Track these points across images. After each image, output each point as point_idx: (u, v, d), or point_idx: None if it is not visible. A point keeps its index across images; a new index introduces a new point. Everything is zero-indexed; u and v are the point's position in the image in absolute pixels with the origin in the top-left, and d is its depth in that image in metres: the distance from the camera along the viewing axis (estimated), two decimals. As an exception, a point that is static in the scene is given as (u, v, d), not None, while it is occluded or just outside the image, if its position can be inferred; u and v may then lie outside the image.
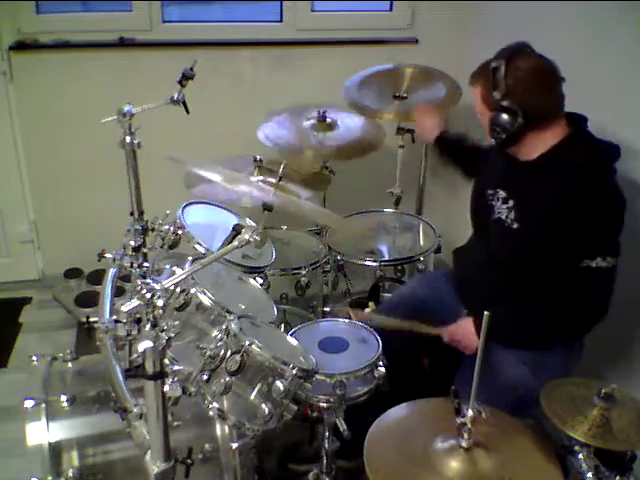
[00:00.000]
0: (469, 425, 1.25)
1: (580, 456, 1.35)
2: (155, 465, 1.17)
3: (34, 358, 1.64)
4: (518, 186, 1.79)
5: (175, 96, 1.86)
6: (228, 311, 1.46)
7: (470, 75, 1.77)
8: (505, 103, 1.64)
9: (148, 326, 1.07)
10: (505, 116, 1.65)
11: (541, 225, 1.69)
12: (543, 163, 1.71)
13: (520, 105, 1.63)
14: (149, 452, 1.19)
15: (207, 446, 1.49)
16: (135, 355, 1.08)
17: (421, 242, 2.44)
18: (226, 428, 1.52)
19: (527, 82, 1.63)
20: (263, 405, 1.35)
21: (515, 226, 1.76)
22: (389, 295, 2.45)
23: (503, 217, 1.79)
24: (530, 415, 1.70)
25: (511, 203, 1.78)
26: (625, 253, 1.71)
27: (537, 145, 1.71)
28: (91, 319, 2.74)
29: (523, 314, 1.77)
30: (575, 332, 1.80)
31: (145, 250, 1.83)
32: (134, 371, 1.44)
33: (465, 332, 1.80)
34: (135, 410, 1.27)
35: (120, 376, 1.40)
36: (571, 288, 1.70)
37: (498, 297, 1.79)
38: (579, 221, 1.64)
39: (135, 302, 1.06)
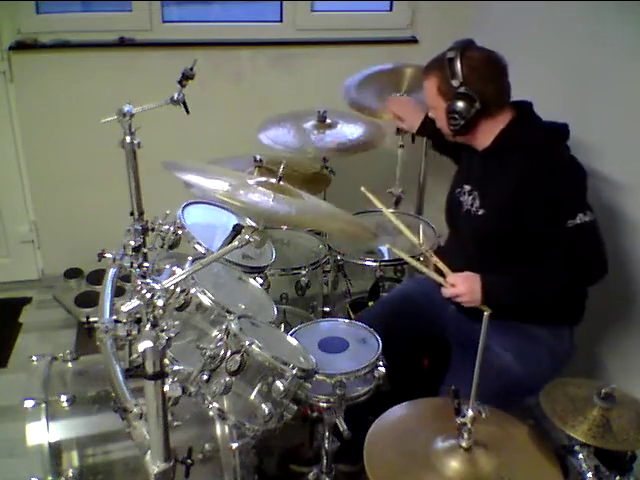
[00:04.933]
0: (469, 425, 1.25)
1: (580, 456, 1.35)
2: (155, 465, 1.17)
3: (34, 358, 1.64)
4: (478, 175, 1.88)
5: (175, 96, 1.86)
6: (228, 311, 1.45)
7: (424, 68, 1.88)
8: (463, 90, 1.75)
9: (148, 326, 1.07)
10: (462, 103, 1.76)
11: (504, 207, 1.76)
12: (496, 147, 1.82)
13: (476, 91, 1.74)
14: (149, 452, 1.19)
15: (207, 446, 1.49)
16: (135, 355, 1.08)
17: (421, 242, 2.43)
18: (226, 428, 1.51)
19: (480, 70, 1.76)
20: (263, 405, 1.35)
21: (480, 213, 1.84)
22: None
23: (470, 207, 1.88)
24: (530, 415, 1.70)
25: (475, 194, 1.87)
26: (624, 252, 1.71)
27: (489, 132, 1.82)
28: (91, 319, 2.73)
29: (525, 283, 1.77)
30: (580, 287, 1.83)
31: (145, 250, 1.83)
32: (134, 371, 1.44)
33: (471, 286, 1.77)
34: (135, 410, 1.27)
35: (120, 376, 1.39)
36: (566, 249, 1.71)
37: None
38: (542, 194, 1.71)
39: (135, 302, 1.06)
